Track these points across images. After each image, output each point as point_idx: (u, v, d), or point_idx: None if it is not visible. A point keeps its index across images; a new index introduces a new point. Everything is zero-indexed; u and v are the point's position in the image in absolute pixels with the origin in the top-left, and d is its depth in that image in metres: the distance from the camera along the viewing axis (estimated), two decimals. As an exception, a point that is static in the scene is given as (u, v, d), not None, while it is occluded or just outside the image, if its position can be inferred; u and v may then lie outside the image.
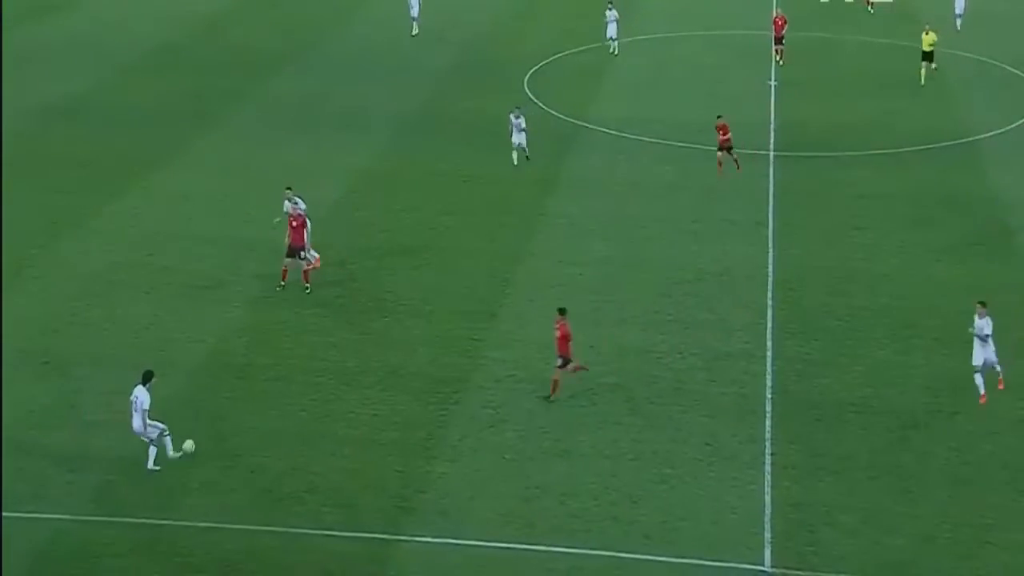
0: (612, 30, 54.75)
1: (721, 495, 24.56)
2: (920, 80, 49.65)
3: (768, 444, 26.18)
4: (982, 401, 27.53)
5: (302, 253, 32.63)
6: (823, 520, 23.88)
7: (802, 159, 43.26)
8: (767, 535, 23.34)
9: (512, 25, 60.76)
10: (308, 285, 32.56)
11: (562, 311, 27.77)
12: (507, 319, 31.54)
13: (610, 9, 54.89)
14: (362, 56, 54.80)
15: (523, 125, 41.26)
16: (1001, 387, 27.85)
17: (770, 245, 36.11)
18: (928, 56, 50.07)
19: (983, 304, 27.91)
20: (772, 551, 22.91)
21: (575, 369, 27.76)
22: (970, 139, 45.02)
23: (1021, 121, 46.62)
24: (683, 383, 28.66)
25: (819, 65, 53.94)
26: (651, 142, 44.45)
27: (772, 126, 46.29)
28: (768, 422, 27.00)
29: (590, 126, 46.16)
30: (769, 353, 30.00)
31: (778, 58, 52.36)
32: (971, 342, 30.45)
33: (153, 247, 35.37)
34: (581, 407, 27.63)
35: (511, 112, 41.21)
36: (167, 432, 24.84)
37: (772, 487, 24.75)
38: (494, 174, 41.32)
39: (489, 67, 53.38)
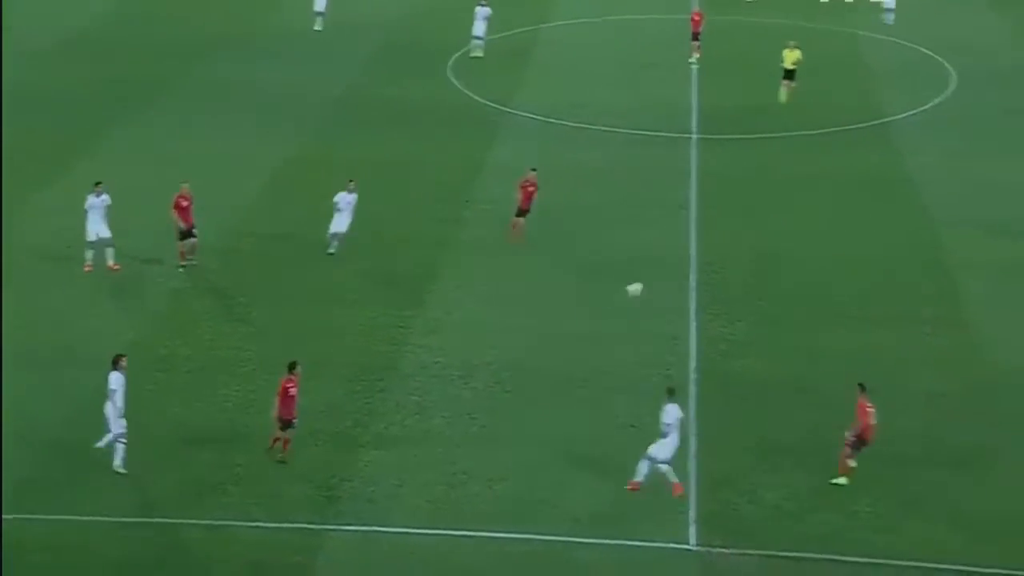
0: (480, 28, 50.93)
1: (647, 476, 24.74)
2: (781, 98, 46.01)
3: (693, 424, 26.44)
4: (675, 490, 23.86)
5: (195, 231, 32.75)
6: (747, 498, 24.20)
7: (725, 142, 43.67)
8: (692, 514, 23.59)
9: (434, 11, 60.53)
10: (191, 260, 32.90)
11: (292, 367, 24.82)
12: (434, 306, 31.53)
13: (482, 5, 51.32)
14: (285, 44, 54.29)
15: (347, 204, 33.81)
16: (678, 492, 23.85)
17: (693, 228, 36.44)
18: (790, 74, 46.16)
19: (672, 392, 24.69)
20: (697, 529, 23.18)
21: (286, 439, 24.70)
22: (887, 119, 45.74)
23: (936, 101, 47.48)
24: (608, 366, 28.85)
25: (741, 48, 54.35)
26: (577, 127, 44.61)
27: (695, 109, 46.66)
28: (693, 403, 27.25)
29: (515, 112, 46.21)
30: (693, 335, 30.30)
31: (695, 55, 51.69)
32: (892, 319, 31.17)
33: (72, 239, 34.83)
34: (507, 392, 27.72)
35: (343, 191, 34.19)
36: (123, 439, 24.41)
37: (697, 467, 25.02)
38: (420, 161, 41.23)
39: (412, 53, 53.17)
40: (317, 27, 55.76)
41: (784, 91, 46.06)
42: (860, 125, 45.19)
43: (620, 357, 29.23)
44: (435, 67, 51.04)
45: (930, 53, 53.31)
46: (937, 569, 22.35)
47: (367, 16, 58.32)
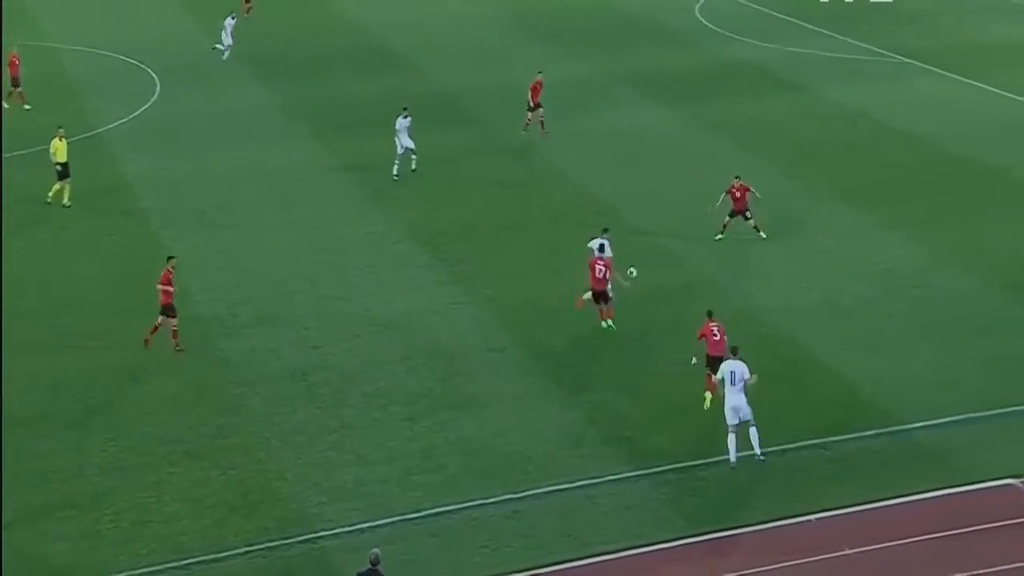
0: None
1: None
2: (48, 198, 38.88)
3: None
4: None
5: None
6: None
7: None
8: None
9: None
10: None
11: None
12: None
13: None
14: None
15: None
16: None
17: None
18: (64, 168, 38.99)
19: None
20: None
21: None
22: (99, 130, 45.44)
23: (144, 107, 48.05)
24: None
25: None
26: None
27: None
28: None
29: None
30: None
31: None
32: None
33: None
34: None
35: None
36: None
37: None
38: None
39: None
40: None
41: (57, 188, 39.25)
42: (74, 138, 44.27)
43: None
44: None
45: (132, 61, 53.65)
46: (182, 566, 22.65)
47: None
